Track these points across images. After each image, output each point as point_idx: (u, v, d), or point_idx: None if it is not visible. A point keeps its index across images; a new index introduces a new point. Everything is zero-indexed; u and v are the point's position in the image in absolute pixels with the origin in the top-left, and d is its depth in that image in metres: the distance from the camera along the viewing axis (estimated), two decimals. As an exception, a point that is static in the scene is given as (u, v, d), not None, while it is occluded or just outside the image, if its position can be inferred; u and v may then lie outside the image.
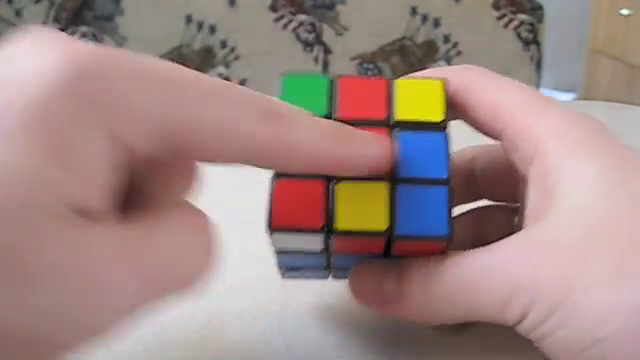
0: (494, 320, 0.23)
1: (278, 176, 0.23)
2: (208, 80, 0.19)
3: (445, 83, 0.25)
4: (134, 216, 0.18)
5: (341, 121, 0.24)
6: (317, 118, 0.21)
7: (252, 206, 0.38)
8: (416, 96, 0.25)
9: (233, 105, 0.19)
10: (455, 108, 0.26)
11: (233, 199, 0.40)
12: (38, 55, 0.17)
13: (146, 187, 0.20)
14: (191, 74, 0.19)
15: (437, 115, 0.24)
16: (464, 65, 0.27)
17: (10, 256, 0.15)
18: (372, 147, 0.22)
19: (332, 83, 0.25)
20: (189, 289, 0.20)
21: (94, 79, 0.17)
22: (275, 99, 0.21)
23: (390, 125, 0.24)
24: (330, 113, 0.25)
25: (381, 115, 0.24)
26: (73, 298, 0.16)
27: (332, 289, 0.30)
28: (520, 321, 0.22)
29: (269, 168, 0.21)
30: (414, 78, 0.26)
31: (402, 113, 0.25)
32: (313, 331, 0.28)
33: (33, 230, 0.15)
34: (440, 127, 0.24)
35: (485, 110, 0.25)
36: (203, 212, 0.21)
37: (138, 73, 0.17)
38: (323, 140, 0.21)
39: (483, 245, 0.23)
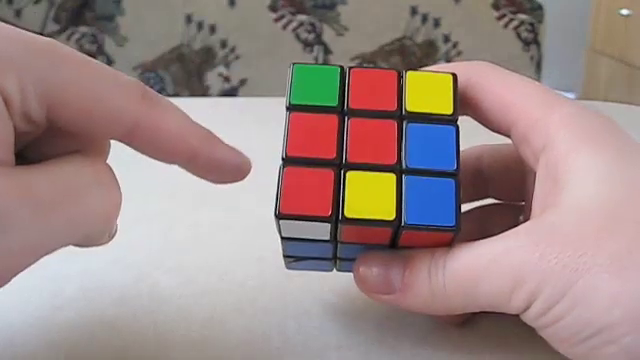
0: (500, 309, 0.23)
1: (287, 163, 0.23)
2: (87, 58, 0.21)
3: (456, 77, 0.25)
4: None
5: (352, 110, 0.24)
6: (187, 115, 0.23)
7: (252, 206, 0.38)
8: (427, 89, 0.25)
9: (110, 79, 0.21)
10: (464, 102, 0.26)
11: (233, 199, 0.40)
12: None
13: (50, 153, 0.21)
14: (72, 50, 0.21)
15: (447, 108, 0.25)
16: (474, 61, 0.27)
17: None
18: (232, 155, 0.23)
19: (343, 74, 0.25)
20: (96, 231, 0.22)
21: None
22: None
23: (401, 117, 0.25)
24: (341, 103, 0.25)
25: (392, 107, 0.25)
26: None
27: (332, 289, 0.30)
28: (526, 309, 0.22)
29: (133, 147, 0.22)
30: (425, 71, 0.26)
31: (413, 105, 0.25)
32: (313, 331, 0.28)
33: None
34: (450, 120, 0.24)
35: (495, 104, 0.26)
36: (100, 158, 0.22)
37: (20, 40, 0.20)
38: (190, 132, 0.22)
39: None
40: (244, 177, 0.23)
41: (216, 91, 1.06)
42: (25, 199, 0.18)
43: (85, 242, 0.22)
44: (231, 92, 1.06)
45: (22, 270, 0.19)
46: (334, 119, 0.24)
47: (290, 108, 0.24)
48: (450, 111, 0.24)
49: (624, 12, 1.95)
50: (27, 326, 0.27)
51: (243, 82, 1.06)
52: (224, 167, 0.23)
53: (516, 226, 0.23)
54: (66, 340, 0.26)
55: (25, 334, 0.27)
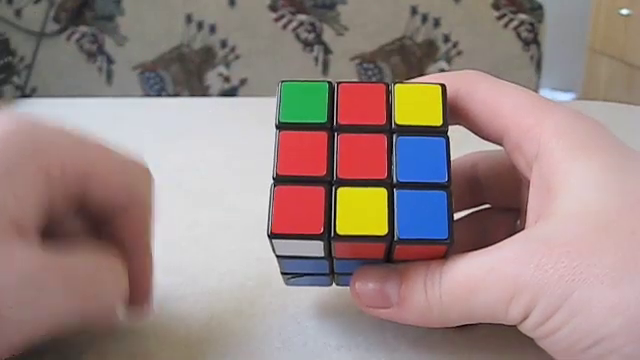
0: (497, 320, 0.23)
1: (278, 182, 0.24)
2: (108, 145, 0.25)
3: (445, 87, 0.25)
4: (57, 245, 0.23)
5: (342, 126, 0.24)
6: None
7: (252, 206, 0.38)
8: (416, 101, 0.25)
9: (123, 161, 0.26)
10: (455, 113, 0.26)
11: (233, 199, 0.40)
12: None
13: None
14: (96, 138, 0.25)
15: (437, 120, 0.24)
16: (464, 70, 0.27)
17: None
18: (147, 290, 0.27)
19: (331, 89, 0.25)
20: (105, 311, 0.24)
21: (33, 127, 0.23)
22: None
23: (390, 130, 0.24)
24: (330, 120, 0.25)
25: (381, 121, 0.24)
26: (10, 294, 0.20)
27: (331, 289, 0.30)
28: (523, 320, 0.22)
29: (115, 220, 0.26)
30: (413, 83, 0.26)
31: (402, 118, 0.24)
32: (313, 331, 0.28)
33: None
34: (440, 131, 0.24)
35: (486, 113, 0.25)
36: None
37: (58, 129, 0.24)
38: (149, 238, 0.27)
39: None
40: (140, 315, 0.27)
41: (216, 91, 1.06)
42: (58, 270, 0.21)
43: (93, 320, 0.24)
44: (231, 92, 1.06)
45: (41, 334, 0.22)
46: (324, 136, 0.24)
47: (279, 127, 0.24)
48: (440, 122, 0.24)
49: (624, 12, 1.95)
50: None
51: (243, 82, 1.06)
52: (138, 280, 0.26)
53: (513, 232, 0.23)
54: (65, 340, 0.26)
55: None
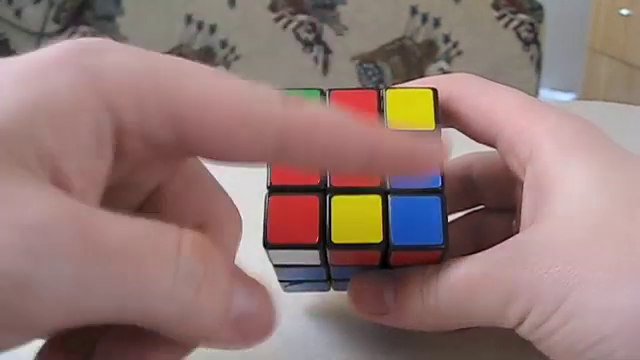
0: (494, 324, 0.23)
1: (272, 192, 0.23)
2: (214, 70, 0.18)
3: (436, 91, 0.25)
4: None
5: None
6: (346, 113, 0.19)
7: (252, 206, 0.38)
8: (407, 106, 0.25)
9: (247, 89, 0.18)
10: (448, 116, 0.26)
11: (233, 199, 0.40)
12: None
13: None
14: (198, 65, 0.18)
15: (429, 124, 0.24)
16: (455, 73, 0.27)
17: None
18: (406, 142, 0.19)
19: (323, 96, 0.25)
20: (157, 316, 0.16)
21: (90, 51, 0.17)
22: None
23: None
24: None
25: None
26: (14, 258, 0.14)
27: (331, 289, 0.30)
28: (520, 323, 0.22)
29: (291, 162, 0.19)
30: (405, 87, 0.26)
31: (394, 123, 0.24)
32: (313, 331, 0.28)
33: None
34: (432, 136, 0.24)
35: (479, 116, 0.25)
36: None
37: (140, 56, 0.18)
38: (360, 126, 0.18)
39: (482, 249, 0.23)
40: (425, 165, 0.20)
41: (216, 91, 1.06)
42: (80, 231, 0.15)
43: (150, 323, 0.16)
44: (231, 92, 1.06)
45: (54, 327, 0.15)
46: None
47: None
48: (432, 126, 0.24)
49: (624, 12, 1.95)
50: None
51: (243, 82, 1.06)
52: (404, 158, 0.19)
53: (509, 233, 0.23)
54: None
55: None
